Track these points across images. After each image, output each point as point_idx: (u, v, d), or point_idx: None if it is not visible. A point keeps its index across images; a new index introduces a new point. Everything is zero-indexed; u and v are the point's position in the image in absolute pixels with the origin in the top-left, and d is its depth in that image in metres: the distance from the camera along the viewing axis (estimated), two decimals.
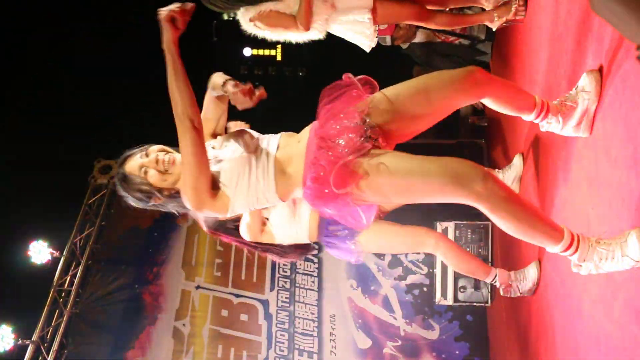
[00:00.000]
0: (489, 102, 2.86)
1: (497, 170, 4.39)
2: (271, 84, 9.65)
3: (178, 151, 2.73)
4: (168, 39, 2.58)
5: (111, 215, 7.70)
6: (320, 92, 2.91)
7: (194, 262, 7.37)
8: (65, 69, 7.96)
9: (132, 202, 2.89)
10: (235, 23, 4.24)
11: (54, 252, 7.29)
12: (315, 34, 4.23)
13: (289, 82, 9.66)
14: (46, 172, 7.54)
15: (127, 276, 7.34)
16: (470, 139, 6.95)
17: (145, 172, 2.81)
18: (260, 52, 9.59)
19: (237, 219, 3.77)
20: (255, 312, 7.13)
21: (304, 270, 7.24)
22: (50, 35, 7.83)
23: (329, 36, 4.38)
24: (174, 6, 2.56)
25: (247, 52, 9.43)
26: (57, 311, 7.10)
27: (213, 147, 2.87)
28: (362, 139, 2.60)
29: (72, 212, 7.56)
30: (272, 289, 7.21)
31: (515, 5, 4.36)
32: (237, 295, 7.21)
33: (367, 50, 4.45)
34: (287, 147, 2.79)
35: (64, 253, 7.31)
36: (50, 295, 7.08)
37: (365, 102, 2.73)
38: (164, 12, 2.55)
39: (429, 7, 4.43)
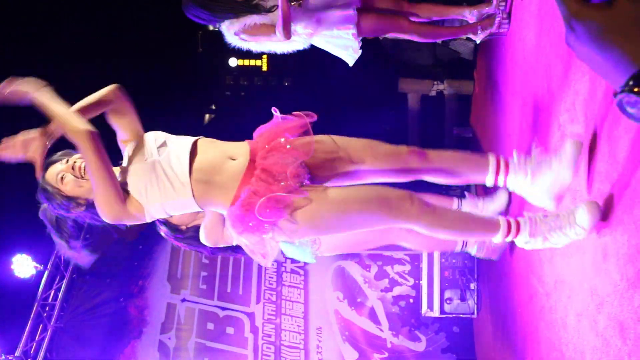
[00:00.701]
0: (435, 180, 2.87)
1: (477, 198, 4.26)
2: (257, 94, 9.69)
3: None
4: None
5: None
6: (305, 102, 2.91)
7: (180, 275, 7.34)
8: (45, 75, 7.94)
9: (54, 213, 2.84)
10: (221, 34, 4.23)
11: (37, 265, 7.23)
12: (299, 44, 4.23)
13: (274, 92, 9.68)
14: (28, 184, 7.49)
15: (112, 290, 7.29)
16: (455, 149, 6.97)
17: (62, 179, 2.77)
18: (246, 62, 9.62)
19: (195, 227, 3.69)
20: (241, 325, 7.10)
21: (290, 282, 7.23)
22: (32, 46, 7.80)
23: (314, 47, 4.38)
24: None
25: (233, 62, 9.46)
26: (41, 325, 7.04)
27: (127, 156, 2.78)
28: (300, 181, 2.61)
29: None
30: (258, 302, 7.19)
31: (499, 18, 4.38)
32: (223, 308, 7.18)
33: (351, 63, 4.46)
34: (212, 157, 2.71)
35: (48, 266, 7.25)
36: (34, 309, 7.02)
37: (309, 141, 2.72)
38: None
39: (412, 20, 4.44)
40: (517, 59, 4.24)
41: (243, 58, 9.46)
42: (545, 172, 2.65)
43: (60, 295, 7.18)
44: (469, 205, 4.06)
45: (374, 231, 3.99)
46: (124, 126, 2.84)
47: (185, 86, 9.05)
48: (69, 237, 2.86)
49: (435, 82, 7.14)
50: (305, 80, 8.95)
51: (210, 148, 2.75)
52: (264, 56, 9.36)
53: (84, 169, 2.73)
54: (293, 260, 7.27)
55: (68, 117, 2.56)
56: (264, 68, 9.71)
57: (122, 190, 2.62)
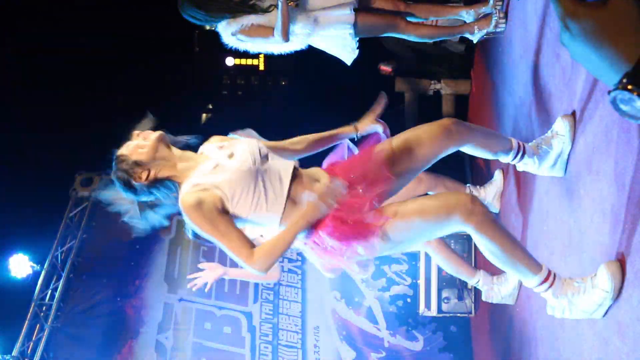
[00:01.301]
0: (467, 149, 2.93)
1: (478, 187, 4.42)
2: (254, 93, 9.69)
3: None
4: (317, 217, 2.56)
5: (93, 228, 7.65)
6: (302, 101, 2.93)
7: (177, 274, 7.33)
8: (44, 80, 7.92)
9: (120, 188, 2.77)
10: (218, 33, 4.23)
11: (34, 265, 7.22)
12: (297, 45, 4.23)
13: (271, 92, 9.68)
14: (27, 184, 7.48)
15: (109, 289, 7.28)
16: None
17: (126, 147, 2.77)
18: (243, 61, 9.62)
19: None
20: (238, 325, 7.10)
21: (287, 282, 7.22)
22: (28, 47, 7.79)
23: (312, 46, 4.39)
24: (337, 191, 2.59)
25: (230, 61, 9.46)
26: (38, 325, 7.03)
27: (220, 148, 2.78)
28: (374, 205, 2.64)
29: (53, 224, 7.50)
30: (255, 301, 7.18)
31: (496, 18, 4.38)
32: (221, 308, 7.17)
33: (349, 63, 4.46)
34: (305, 177, 2.74)
35: (45, 266, 7.24)
36: (31, 309, 7.01)
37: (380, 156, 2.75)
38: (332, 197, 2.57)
39: (409, 19, 4.44)
40: (514, 59, 4.25)
41: (240, 57, 9.46)
42: (548, 153, 2.94)
43: (57, 295, 7.17)
44: (475, 191, 4.21)
45: None
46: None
47: (183, 85, 9.06)
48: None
49: (433, 82, 7.14)
50: (302, 80, 8.95)
51: (305, 176, 2.76)
52: (261, 55, 9.37)
53: (143, 135, 2.76)
54: (290, 260, 7.28)
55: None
56: (261, 67, 9.74)
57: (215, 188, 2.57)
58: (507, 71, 4.50)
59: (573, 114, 2.87)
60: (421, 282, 6.11)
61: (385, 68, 7.00)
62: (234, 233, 2.54)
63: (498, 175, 4.33)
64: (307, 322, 7.03)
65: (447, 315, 6.08)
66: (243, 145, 2.72)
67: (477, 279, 4.19)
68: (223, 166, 2.64)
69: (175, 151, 2.78)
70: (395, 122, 7.95)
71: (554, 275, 2.56)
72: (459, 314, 6.07)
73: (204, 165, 2.69)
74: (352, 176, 2.68)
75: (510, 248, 2.55)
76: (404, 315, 6.91)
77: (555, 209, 3.16)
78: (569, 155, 2.94)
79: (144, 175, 2.68)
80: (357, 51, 4.40)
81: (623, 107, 1.09)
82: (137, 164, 2.69)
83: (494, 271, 4.67)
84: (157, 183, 2.70)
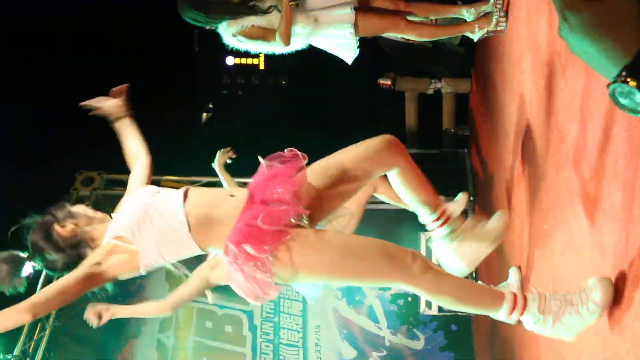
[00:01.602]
0: (393, 176, 2.79)
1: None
2: (254, 93, 9.68)
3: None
4: None
5: None
6: (302, 100, 2.94)
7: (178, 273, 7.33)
8: (44, 78, 7.92)
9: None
10: (217, 33, 4.24)
11: (35, 265, 7.21)
12: (297, 45, 4.24)
13: (272, 91, 9.67)
14: (28, 183, 7.47)
15: (109, 289, 7.26)
16: (453, 148, 6.99)
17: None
18: (243, 60, 9.59)
19: None
20: (239, 323, 7.10)
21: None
22: (26, 43, 7.79)
23: (312, 46, 4.40)
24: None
25: (230, 61, 9.43)
26: (39, 325, 7.03)
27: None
28: (295, 217, 2.52)
29: None
30: None
31: (497, 17, 4.39)
32: (222, 307, 7.17)
33: (349, 62, 4.47)
34: (211, 194, 2.71)
35: None
36: None
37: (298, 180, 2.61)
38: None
39: (410, 19, 4.45)
40: (515, 58, 4.25)
41: (240, 57, 9.43)
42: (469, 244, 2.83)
43: None
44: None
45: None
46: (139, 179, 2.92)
47: (182, 85, 9.04)
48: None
49: (433, 81, 7.14)
50: (302, 79, 8.93)
51: (207, 191, 2.76)
52: (261, 55, 9.35)
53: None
54: None
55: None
56: (261, 67, 9.69)
57: (116, 240, 2.61)
58: (508, 70, 4.51)
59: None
60: None
61: (385, 82, 7.01)
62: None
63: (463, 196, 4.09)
64: (308, 321, 7.04)
65: (448, 314, 6.10)
66: (136, 195, 2.78)
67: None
68: (116, 216, 2.74)
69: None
70: (395, 121, 7.96)
71: (523, 298, 2.44)
72: (459, 313, 6.08)
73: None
74: (272, 195, 2.56)
75: (463, 295, 2.47)
76: (405, 314, 6.92)
77: (555, 207, 3.17)
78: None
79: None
80: (357, 50, 4.41)
81: (622, 100, 1.09)
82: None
83: (492, 271, 4.68)
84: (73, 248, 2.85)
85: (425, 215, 2.90)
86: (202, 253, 2.63)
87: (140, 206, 2.64)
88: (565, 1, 1.15)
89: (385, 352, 6.81)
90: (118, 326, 7.04)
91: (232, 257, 2.48)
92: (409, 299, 6.93)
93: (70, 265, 2.79)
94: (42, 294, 2.63)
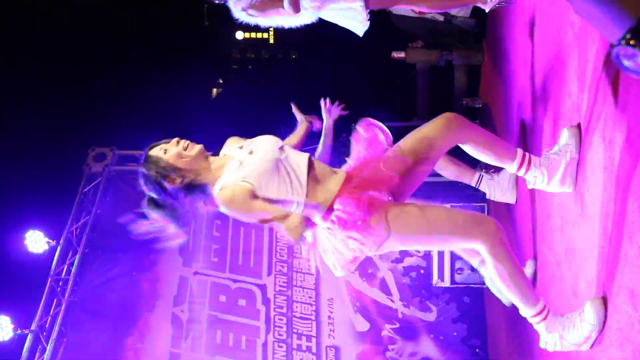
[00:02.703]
0: (468, 148, 3.06)
1: (491, 171, 4.29)
2: (264, 67, 9.66)
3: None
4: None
5: (107, 203, 7.70)
6: (313, 74, 3.06)
7: (191, 248, 7.39)
8: (57, 55, 7.93)
9: (148, 187, 2.96)
10: (227, 6, 4.22)
11: (50, 241, 7.29)
12: (307, 19, 4.21)
13: (281, 65, 9.64)
14: (40, 161, 7.53)
15: (124, 264, 7.35)
16: None
17: (165, 151, 2.96)
18: (253, 35, 9.56)
19: None
20: (253, 297, 7.17)
21: (301, 254, 7.27)
22: (38, 21, 7.80)
23: (322, 18, 4.36)
24: None
25: (240, 35, 9.41)
26: (55, 300, 7.12)
27: (240, 148, 3.03)
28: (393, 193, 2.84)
29: (68, 200, 7.56)
30: (269, 274, 7.24)
31: None
32: (235, 281, 7.24)
33: (360, 34, 4.44)
34: (322, 167, 2.96)
35: (61, 242, 7.32)
36: (48, 284, 7.10)
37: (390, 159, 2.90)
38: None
39: None
40: (526, 28, 4.22)
41: (249, 31, 9.40)
42: (557, 170, 2.97)
43: (73, 270, 7.25)
44: (487, 179, 4.12)
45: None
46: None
47: (192, 60, 9.03)
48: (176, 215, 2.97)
49: (444, 52, 7.10)
50: (312, 53, 8.90)
51: (320, 164, 3.01)
52: (271, 29, 9.33)
53: (187, 144, 2.97)
54: None
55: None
56: (271, 41, 9.67)
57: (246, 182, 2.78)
58: (520, 41, 4.48)
59: (578, 125, 2.92)
60: (434, 253, 6.14)
61: (398, 55, 6.99)
62: (269, 206, 2.76)
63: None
64: (321, 294, 7.09)
65: (461, 286, 6.13)
66: (262, 140, 3.00)
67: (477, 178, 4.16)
68: (247, 161, 2.88)
69: (210, 159, 3.03)
70: (406, 93, 7.93)
71: (548, 310, 2.80)
72: (472, 285, 6.11)
73: (229, 165, 2.93)
74: (366, 177, 2.85)
75: (517, 279, 2.75)
76: (418, 286, 6.96)
77: (563, 200, 3.16)
78: (578, 166, 2.96)
79: (178, 181, 2.92)
80: (368, 23, 4.37)
81: (626, 62, 1.09)
82: (175, 169, 2.92)
83: None
84: (192, 188, 2.93)
85: (510, 168, 3.12)
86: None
87: (272, 161, 2.87)
88: None
89: (397, 325, 6.85)
90: (132, 301, 7.13)
91: (334, 222, 2.75)
92: (422, 271, 6.96)
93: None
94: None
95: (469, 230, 2.71)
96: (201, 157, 2.97)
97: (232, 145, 3.11)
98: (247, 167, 2.84)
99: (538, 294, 2.83)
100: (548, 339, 2.79)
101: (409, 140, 2.96)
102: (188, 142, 2.98)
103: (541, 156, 3.07)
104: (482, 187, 4.09)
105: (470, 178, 4.05)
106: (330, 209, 2.80)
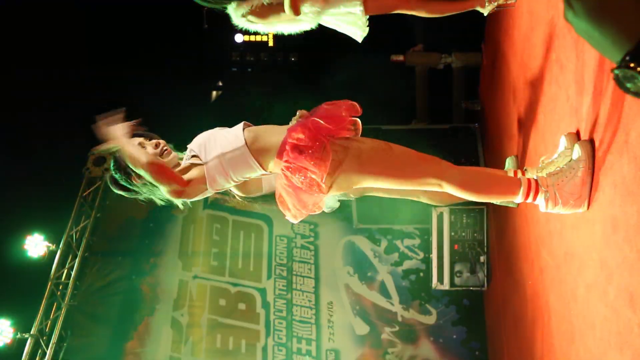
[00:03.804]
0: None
1: None
2: (263, 70, 9.66)
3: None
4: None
5: (107, 207, 7.71)
6: (311, 77, 3.09)
7: (191, 252, 7.39)
8: (55, 56, 7.93)
9: (116, 173, 3.11)
10: (227, 13, 4.22)
11: (50, 245, 7.29)
12: (307, 25, 4.22)
13: (281, 68, 9.64)
14: (40, 164, 7.52)
15: (124, 268, 7.36)
16: (464, 123, 6.96)
17: (142, 146, 3.05)
18: (252, 38, 9.55)
19: None
20: (253, 301, 7.17)
21: (300, 257, 7.27)
22: (47, 31, 7.80)
23: (322, 25, 4.37)
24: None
25: (239, 38, 9.40)
26: (55, 304, 7.12)
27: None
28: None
29: (67, 204, 7.56)
30: (269, 277, 7.24)
31: None
32: (235, 284, 7.24)
33: (359, 40, 4.45)
34: (265, 125, 3.03)
35: (60, 246, 7.32)
36: (48, 288, 7.10)
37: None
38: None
39: None
40: (525, 31, 4.22)
41: (249, 34, 9.40)
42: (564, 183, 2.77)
43: (73, 274, 7.25)
44: None
45: None
46: None
47: (191, 63, 9.02)
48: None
49: (443, 55, 7.10)
50: (311, 56, 8.90)
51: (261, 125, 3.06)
52: (270, 33, 9.32)
53: (164, 149, 3.06)
54: (303, 236, 7.32)
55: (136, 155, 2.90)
56: (270, 43, 9.66)
57: (192, 161, 2.96)
58: (519, 43, 4.48)
59: (577, 132, 2.91)
60: (434, 256, 6.14)
61: (397, 58, 7.00)
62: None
63: (510, 161, 4.17)
64: (320, 298, 7.09)
65: (460, 289, 6.12)
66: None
67: None
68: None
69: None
70: (406, 97, 7.93)
71: (536, 182, 2.76)
72: (471, 288, 6.11)
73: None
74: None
75: (486, 181, 2.88)
76: (417, 289, 6.96)
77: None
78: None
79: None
80: (367, 29, 4.38)
81: (627, 84, 1.10)
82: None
83: (507, 252, 4.68)
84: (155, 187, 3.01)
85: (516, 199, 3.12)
86: (262, 172, 2.95)
87: (206, 134, 3.02)
88: None
89: (397, 328, 6.85)
90: (132, 305, 7.13)
91: (286, 167, 2.81)
92: (421, 274, 6.96)
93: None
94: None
95: (425, 169, 2.80)
96: (174, 161, 3.06)
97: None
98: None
99: (516, 179, 2.84)
100: (548, 204, 2.74)
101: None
102: (167, 147, 3.06)
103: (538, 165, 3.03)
104: None
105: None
106: (284, 142, 2.84)
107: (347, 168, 2.79)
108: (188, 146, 3.05)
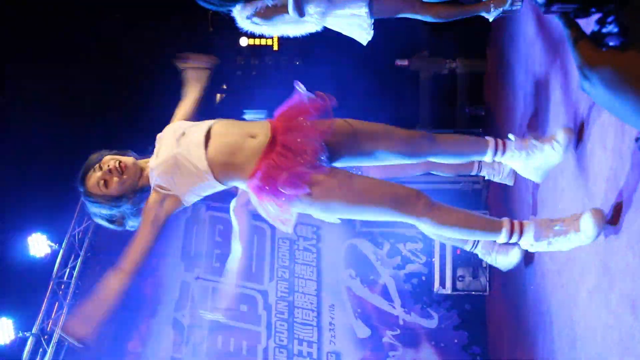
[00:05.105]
0: (439, 158, 3.07)
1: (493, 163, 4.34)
2: (268, 73, 9.67)
3: (123, 154, 3.01)
4: None
5: None
6: (316, 81, 3.05)
7: (193, 253, 7.40)
8: (57, 56, 7.94)
9: (99, 218, 3.11)
10: (232, 17, 4.23)
11: (52, 244, 7.29)
12: (312, 27, 4.23)
13: (286, 71, 9.64)
14: (44, 164, 7.52)
15: None
16: (468, 128, 6.96)
17: (105, 185, 2.96)
18: (257, 41, 9.56)
19: None
20: (254, 303, 7.16)
21: (302, 260, 7.27)
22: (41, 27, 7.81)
23: (326, 28, 4.38)
24: None
25: (244, 41, 9.41)
26: (56, 303, 7.11)
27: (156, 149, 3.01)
28: (320, 159, 2.76)
29: (71, 204, 7.55)
30: (271, 280, 7.24)
31: None
32: (237, 286, 7.23)
33: (364, 43, 4.45)
34: (231, 138, 2.84)
35: (63, 245, 7.31)
36: (50, 287, 7.09)
37: (327, 122, 2.86)
38: None
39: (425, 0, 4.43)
40: (530, 37, 4.23)
41: (254, 37, 9.42)
42: (538, 153, 2.93)
43: (75, 273, 7.24)
44: (487, 167, 4.14)
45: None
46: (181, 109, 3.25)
47: None
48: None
49: (448, 61, 7.11)
50: (316, 60, 8.91)
51: (230, 129, 2.89)
52: (275, 36, 9.34)
53: (121, 167, 2.92)
54: (305, 238, 7.32)
55: None
56: (275, 47, 9.67)
57: (159, 188, 2.84)
58: (523, 49, 4.49)
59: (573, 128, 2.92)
60: (436, 260, 6.15)
61: (402, 63, 7.01)
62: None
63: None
64: (322, 300, 7.09)
65: (462, 293, 6.13)
66: (165, 135, 2.98)
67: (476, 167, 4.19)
68: (154, 168, 2.90)
69: (144, 161, 3.03)
70: (410, 101, 7.94)
71: (520, 225, 2.69)
72: (473, 292, 6.11)
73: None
74: (293, 126, 2.82)
75: (466, 226, 2.73)
76: (419, 293, 6.95)
77: (570, 187, 3.17)
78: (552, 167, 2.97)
79: (128, 204, 3.01)
80: (372, 32, 4.39)
81: None
82: (122, 197, 2.98)
83: None
84: (137, 196, 2.98)
85: (484, 157, 3.12)
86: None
87: (170, 158, 2.84)
88: (585, 58, 1.15)
89: (399, 331, 6.85)
90: (134, 305, 7.13)
91: (258, 195, 2.76)
92: (423, 278, 6.95)
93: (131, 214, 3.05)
94: (130, 256, 2.92)
95: (398, 206, 2.69)
96: (136, 168, 2.96)
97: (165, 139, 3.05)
98: (154, 171, 2.89)
99: (496, 220, 2.75)
100: (534, 245, 2.70)
101: (369, 125, 2.94)
102: (118, 160, 2.95)
103: (525, 139, 3.06)
104: (482, 172, 4.10)
105: (469, 168, 4.05)
106: (253, 175, 2.75)
107: (313, 210, 2.79)
108: (151, 167, 2.92)
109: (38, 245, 7.21)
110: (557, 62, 3.44)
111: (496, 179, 4.08)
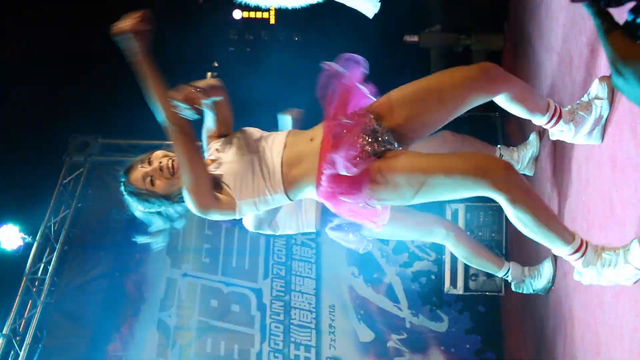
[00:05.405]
0: (501, 100, 3.00)
1: (512, 147, 4.40)
2: (264, 50, 9.63)
3: None
4: (140, 50, 2.92)
5: (88, 196, 7.70)
6: (316, 59, 3.05)
7: (181, 247, 7.38)
8: (36, 38, 7.91)
9: (140, 213, 3.24)
10: None
11: (25, 237, 7.29)
12: None
13: (283, 48, 9.59)
14: (17, 149, 7.50)
15: (106, 263, 7.35)
16: (483, 111, 6.93)
17: (152, 182, 3.02)
18: (252, 14, 9.51)
19: None
20: (247, 302, 7.16)
21: (300, 256, 7.26)
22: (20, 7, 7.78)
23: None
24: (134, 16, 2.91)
25: (238, 14, 9.36)
26: (30, 301, 7.12)
27: (217, 150, 3.04)
28: (377, 144, 2.76)
29: (46, 193, 7.54)
30: (265, 277, 7.24)
31: None
32: (228, 284, 7.23)
33: (370, 16, 4.42)
34: (296, 145, 2.90)
35: (37, 238, 7.31)
36: (22, 284, 7.09)
37: (377, 104, 2.93)
38: (126, 24, 2.92)
39: None
40: (553, 11, 4.20)
41: (248, 10, 9.36)
42: (585, 119, 3.02)
43: (50, 269, 7.24)
44: (508, 153, 4.20)
45: (417, 226, 4.17)
46: (219, 119, 3.15)
47: (185, 42, 8.99)
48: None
49: (462, 36, 7.06)
50: (317, 36, 8.87)
51: (296, 140, 2.95)
52: (272, 8, 9.29)
53: (173, 168, 2.97)
54: (304, 232, 7.31)
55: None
56: (272, 21, 9.61)
57: (216, 185, 2.88)
58: (545, 24, 4.46)
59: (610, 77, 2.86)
60: (447, 257, 6.12)
61: (411, 39, 6.98)
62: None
63: (534, 137, 4.31)
64: (321, 300, 7.09)
65: (475, 294, 6.11)
66: (236, 139, 3.03)
67: (505, 271, 4.27)
68: (222, 162, 2.95)
69: None
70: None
71: (586, 244, 2.69)
72: (487, 293, 6.10)
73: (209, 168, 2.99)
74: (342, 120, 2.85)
75: (543, 219, 2.61)
76: (428, 293, 6.94)
77: (595, 177, 3.15)
78: (606, 120, 2.97)
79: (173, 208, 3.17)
80: (379, 3, 4.35)
81: None
82: (169, 198, 3.10)
83: (525, 254, 4.68)
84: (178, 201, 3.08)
85: (539, 120, 3.13)
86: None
87: (245, 163, 2.90)
88: (618, 51, 1.14)
89: (405, 335, 6.85)
90: (116, 304, 7.13)
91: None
92: (432, 276, 6.94)
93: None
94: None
95: (473, 177, 2.58)
96: None
97: (212, 145, 3.14)
98: (221, 168, 2.93)
99: (571, 230, 2.72)
100: (584, 273, 2.74)
101: (425, 86, 2.92)
102: (172, 158, 2.99)
103: (569, 107, 3.12)
104: None
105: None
106: (318, 178, 2.79)
107: (388, 193, 2.78)
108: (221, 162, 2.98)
109: (10, 237, 7.21)
110: (582, 39, 3.41)
111: (525, 291, 4.19)
